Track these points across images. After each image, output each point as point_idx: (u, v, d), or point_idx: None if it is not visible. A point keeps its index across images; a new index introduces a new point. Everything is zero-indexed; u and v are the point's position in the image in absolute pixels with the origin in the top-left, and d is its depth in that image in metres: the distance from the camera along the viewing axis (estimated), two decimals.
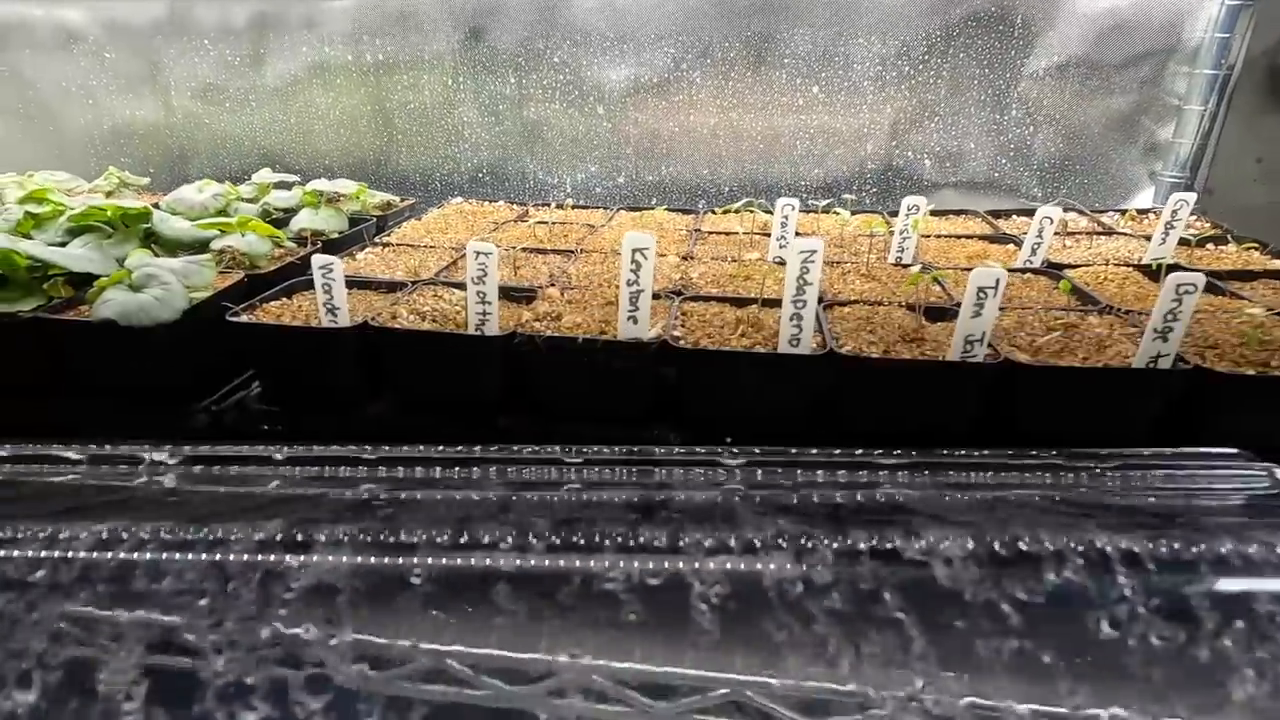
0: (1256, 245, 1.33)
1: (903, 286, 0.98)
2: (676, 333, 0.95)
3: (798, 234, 1.44)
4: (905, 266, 1.26)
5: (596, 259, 1.30)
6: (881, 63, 1.81)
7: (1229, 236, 1.36)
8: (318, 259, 0.95)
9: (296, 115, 2.04)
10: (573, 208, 1.80)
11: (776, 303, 1.07)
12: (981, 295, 0.83)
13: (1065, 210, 1.64)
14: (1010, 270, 1.23)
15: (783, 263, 1.29)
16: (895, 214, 1.69)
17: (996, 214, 1.63)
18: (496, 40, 1.91)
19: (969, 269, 1.19)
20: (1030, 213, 1.66)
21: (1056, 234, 1.43)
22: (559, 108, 1.97)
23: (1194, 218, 1.54)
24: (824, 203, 1.74)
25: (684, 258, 1.31)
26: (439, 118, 2.01)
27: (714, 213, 1.67)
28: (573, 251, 1.32)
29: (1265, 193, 1.74)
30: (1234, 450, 0.73)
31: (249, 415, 1.02)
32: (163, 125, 2.10)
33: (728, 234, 1.48)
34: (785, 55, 1.84)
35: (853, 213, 1.71)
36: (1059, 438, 0.87)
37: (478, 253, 0.88)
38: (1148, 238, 1.32)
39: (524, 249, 1.32)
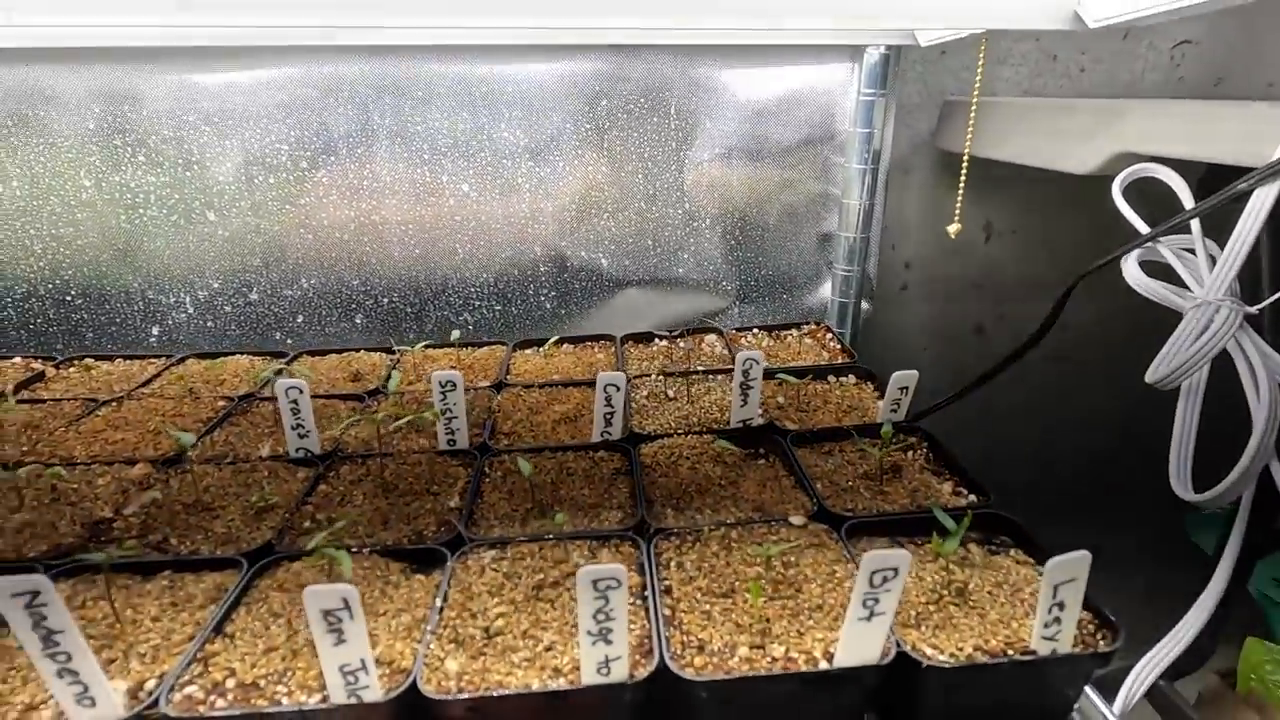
0: (870, 377, 1.18)
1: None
2: None
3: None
4: (441, 454, 0.99)
5: None
6: (533, 156, 1.60)
7: (850, 369, 1.21)
8: None
9: None
10: (120, 359, 1.41)
11: (184, 565, 0.76)
12: (332, 620, 0.56)
13: (704, 334, 1.47)
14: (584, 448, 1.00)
15: (303, 461, 1.00)
16: (534, 345, 1.46)
17: (639, 338, 1.43)
18: (60, 131, 1.50)
19: (543, 450, 0.93)
20: (691, 333, 1.48)
21: (678, 374, 1.24)
22: (157, 214, 1.59)
23: (829, 336, 1.41)
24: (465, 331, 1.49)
25: (164, 463, 0.96)
26: None
27: (307, 355, 1.36)
28: None
29: (912, 300, 1.69)
30: None
31: None
32: None
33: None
34: (425, 148, 1.58)
35: (463, 346, 1.47)
36: None
37: None
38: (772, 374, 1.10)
39: None
